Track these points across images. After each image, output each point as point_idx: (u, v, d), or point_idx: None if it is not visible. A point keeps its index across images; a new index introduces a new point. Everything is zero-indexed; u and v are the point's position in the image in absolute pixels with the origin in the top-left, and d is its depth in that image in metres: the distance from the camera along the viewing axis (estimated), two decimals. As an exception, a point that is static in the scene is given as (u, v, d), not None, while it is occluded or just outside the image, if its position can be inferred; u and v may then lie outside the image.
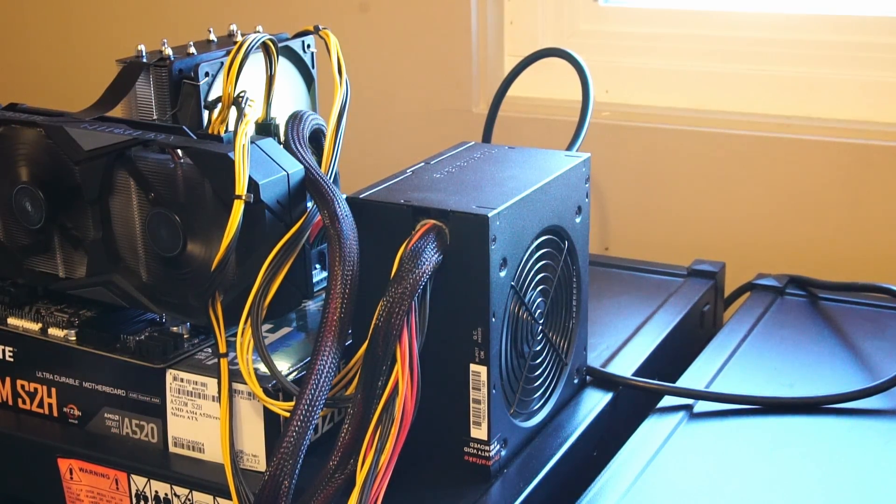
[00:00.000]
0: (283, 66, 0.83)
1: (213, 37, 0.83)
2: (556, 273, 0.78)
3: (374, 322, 0.66)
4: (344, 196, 0.71)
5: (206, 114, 0.76)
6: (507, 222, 0.70)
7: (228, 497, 0.69)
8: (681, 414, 0.80)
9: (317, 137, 0.79)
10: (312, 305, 0.83)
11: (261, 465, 0.71)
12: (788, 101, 1.13)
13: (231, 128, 0.73)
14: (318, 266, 0.82)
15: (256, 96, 0.75)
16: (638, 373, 0.86)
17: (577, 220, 0.80)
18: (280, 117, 0.78)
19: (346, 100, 0.77)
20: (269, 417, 0.70)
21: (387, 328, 0.66)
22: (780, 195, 1.12)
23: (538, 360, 0.77)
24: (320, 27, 0.81)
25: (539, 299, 0.76)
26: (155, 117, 0.78)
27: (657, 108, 1.18)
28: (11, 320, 0.80)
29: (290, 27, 0.86)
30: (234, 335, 0.70)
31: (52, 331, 0.78)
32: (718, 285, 1.04)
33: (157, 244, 0.73)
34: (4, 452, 0.79)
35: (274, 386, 0.69)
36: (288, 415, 0.66)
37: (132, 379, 0.75)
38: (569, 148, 0.93)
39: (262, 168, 0.70)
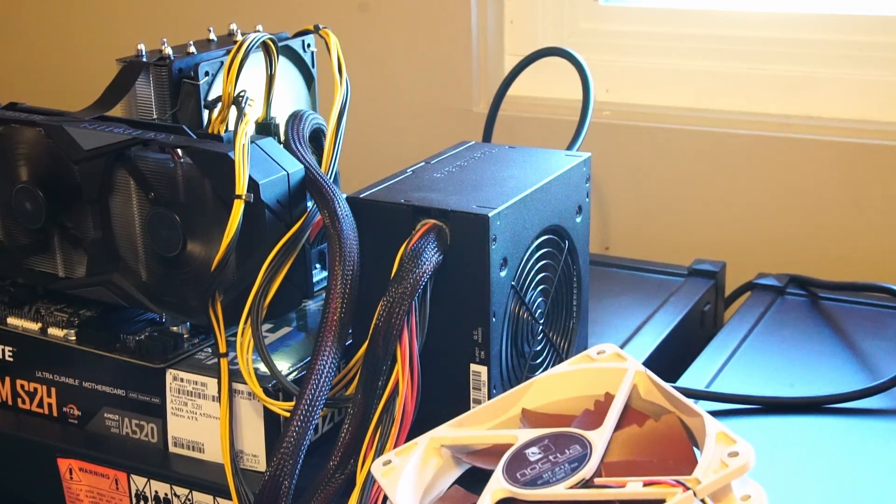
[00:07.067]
0: (283, 66, 0.82)
1: (213, 36, 0.83)
2: (556, 273, 0.78)
3: (374, 322, 0.66)
4: (344, 196, 0.71)
5: (205, 113, 0.76)
6: (508, 222, 0.70)
7: (228, 497, 0.69)
8: (681, 414, 0.80)
9: (317, 137, 0.79)
10: (312, 305, 0.83)
11: (261, 465, 0.71)
12: (789, 101, 1.13)
13: (231, 127, 0.73)
14: (318, 266, 0.82)
15: (256, 96, 0.75)
16: (638, 372, 0.86)
17: (578, 219, 0.79)
18: (280, 117, 0.78)
19: (347, 99, 0.77)
20: (269, 417, 0.70)
21: (387, 328, 0.66)
22: (781, 194, 1.11)
23: (538, 360, 0.77)
24: (320, 26, 0.81)
25: (539, 299, 0.76)
26: (155, 117, 0.78)
27: (658, 107, 1.18)
28: (11, 320, 0.80)
29: (290, 26, 0.86)
30: (234, 335, 0.70)
31: (52, 330, 0.78)
32: (719, 285, 1.04)
33: (156, 244, 0.73)
34: (4, 452, 0.79)
35: (274, 386, 0.69)
36: (288, 415, 0.66)
37: (132, 379, 0.75)
38: (569, 147, 0.93)
39: (262, 167, 0.70)
